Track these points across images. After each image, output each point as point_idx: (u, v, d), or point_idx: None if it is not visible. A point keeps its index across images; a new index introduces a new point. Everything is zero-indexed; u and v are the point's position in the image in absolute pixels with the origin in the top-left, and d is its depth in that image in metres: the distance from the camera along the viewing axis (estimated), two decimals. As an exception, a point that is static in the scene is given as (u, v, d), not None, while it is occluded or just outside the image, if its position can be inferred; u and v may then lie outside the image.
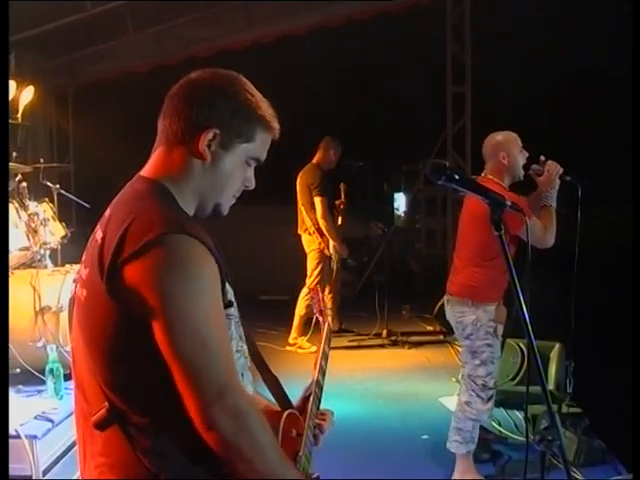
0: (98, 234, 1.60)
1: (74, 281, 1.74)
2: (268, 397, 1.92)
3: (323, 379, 2.15)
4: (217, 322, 1.54)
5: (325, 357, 2.24)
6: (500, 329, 4.11)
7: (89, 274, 1.59)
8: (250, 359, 1.85)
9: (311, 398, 2.03)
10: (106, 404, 1.55)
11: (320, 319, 2.46)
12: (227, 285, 1.63)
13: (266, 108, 1.73)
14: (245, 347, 1.78)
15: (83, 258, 1.67)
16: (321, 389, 2.11)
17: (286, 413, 1.86)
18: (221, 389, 1.48)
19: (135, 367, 1.53)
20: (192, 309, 1.48)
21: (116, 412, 1.54)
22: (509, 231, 3.62)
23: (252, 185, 1.79)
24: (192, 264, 1.50)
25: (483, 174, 4.11)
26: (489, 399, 4.09)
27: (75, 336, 1.66)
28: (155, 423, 1.53)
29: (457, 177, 1.95)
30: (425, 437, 4.90)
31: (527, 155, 4.06)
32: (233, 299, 1.68)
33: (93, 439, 1.59)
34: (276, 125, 1.75)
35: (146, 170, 1.71)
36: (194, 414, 1.47)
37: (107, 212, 1.65)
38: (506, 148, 4.04)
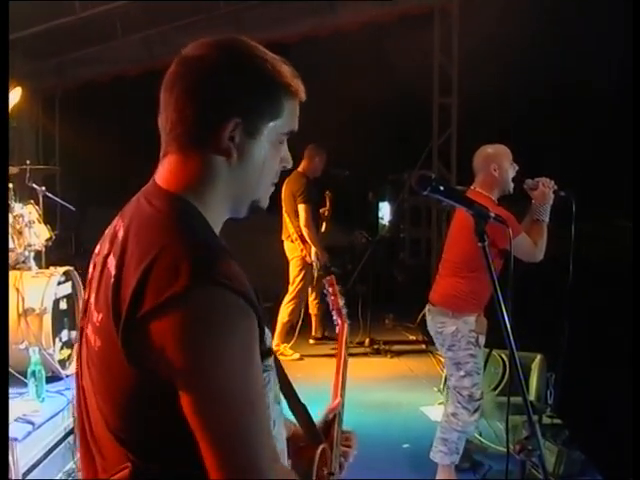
0: (110, 263, 1.33)
1: (82, 312, 1.47)
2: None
3: (344, 394, 1.95)
4: (256, 390, 1.25)
5: (345, 365, 2.02)
6: (482, 339, 4.12)
7: (103, 321, 1.31)
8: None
9: (336, 422, 1.83)
10: (129, 465, 1.29)
11: (337, 319, 2.21)
12: (266, 330, 1.33)
13: (285, 69, 1.38)
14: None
15: (93, 295, 1.38)
16: (342, 407, 1.91)
17: (319, 450, 1.67)
18: (256, 471, 1.22)
19: (156, 424, 1.28)
20: (226, 377, 1.21)
21: (139, 471, 1.29)
22: (497, 244, 3.65)
23: (290, 163, 1.48)
24: (224, 323, 1.21)
25: (472, 187, 4.11)
26: (475, 410, 4.10)
27: (86, 382, 1.40)
28: None
29: (442, 188, 1.96)
30: (406, 446, 4.92)
31: (517, 168, 4.07)
32: (272, 345, 1.40)
33: None
34: (300, 86, 1.42)
35: (163, 179, 1.39)
36: None
37: (119, 228, 1.38)
38: (497, 160, 4.04)
